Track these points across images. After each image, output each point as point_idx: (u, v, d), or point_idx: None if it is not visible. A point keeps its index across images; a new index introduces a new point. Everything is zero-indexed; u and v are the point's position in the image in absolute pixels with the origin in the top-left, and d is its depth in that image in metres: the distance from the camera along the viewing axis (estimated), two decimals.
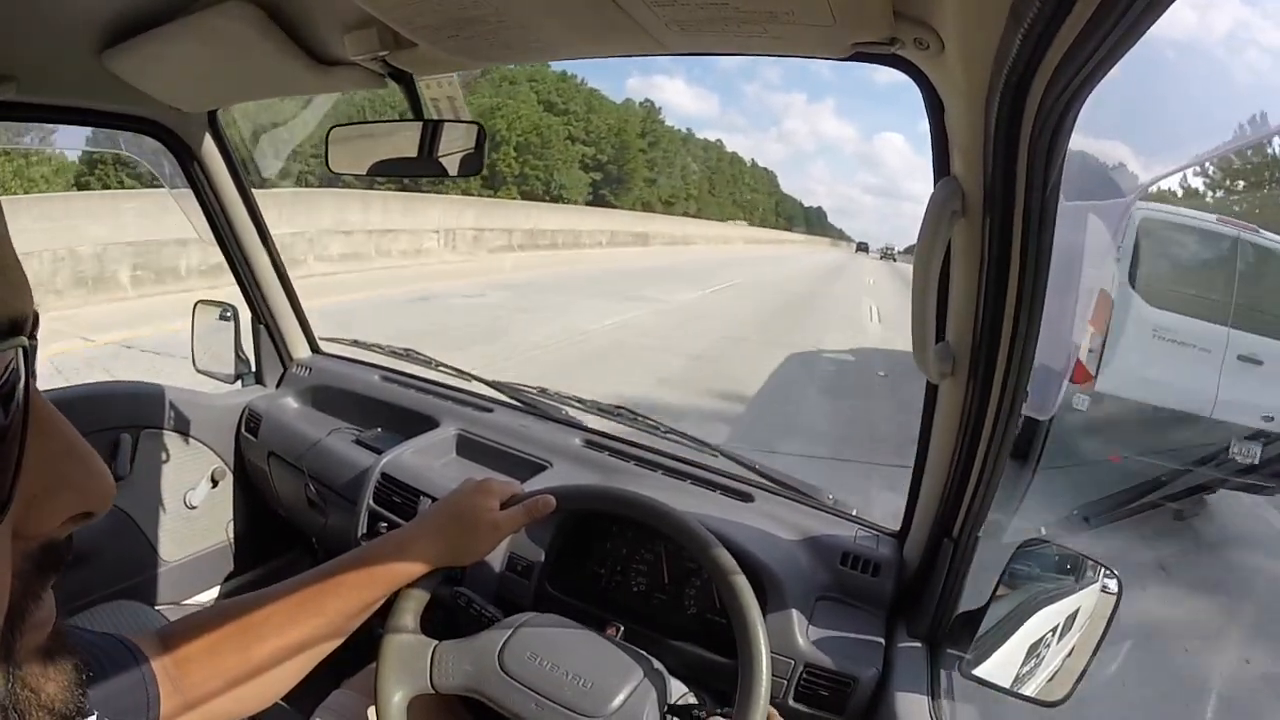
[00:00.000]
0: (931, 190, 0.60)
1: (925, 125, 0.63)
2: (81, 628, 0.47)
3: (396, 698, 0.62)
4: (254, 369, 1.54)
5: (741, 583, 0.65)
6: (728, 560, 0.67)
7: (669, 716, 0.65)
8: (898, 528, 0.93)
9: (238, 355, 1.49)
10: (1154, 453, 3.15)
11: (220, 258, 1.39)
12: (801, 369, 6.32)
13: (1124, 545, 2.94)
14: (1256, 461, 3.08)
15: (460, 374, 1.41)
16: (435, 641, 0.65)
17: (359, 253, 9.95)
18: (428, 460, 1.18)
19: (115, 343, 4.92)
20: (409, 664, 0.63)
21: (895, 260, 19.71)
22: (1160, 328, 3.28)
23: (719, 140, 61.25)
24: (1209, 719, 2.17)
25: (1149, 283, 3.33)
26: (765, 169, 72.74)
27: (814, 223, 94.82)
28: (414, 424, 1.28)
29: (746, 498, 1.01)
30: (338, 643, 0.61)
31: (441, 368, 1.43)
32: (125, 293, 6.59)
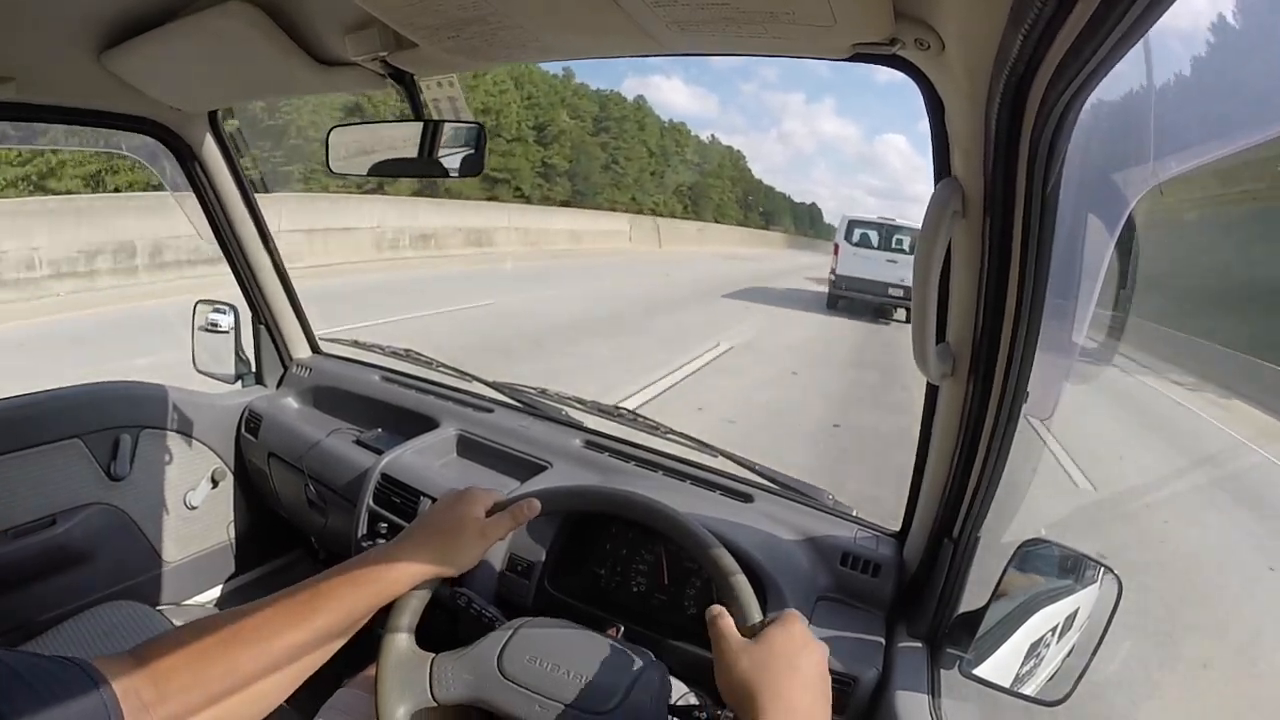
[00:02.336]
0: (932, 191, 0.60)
1: (926, 125, 0.63)
2: (35, 653, 0.45)
3: (399, 714, 0.62)
4: (254, 369, 1.54)
5: (741, 583, 0.65)
6: (727, 560, 0.67)
7: (669, 717, 0.65)
8: (898, 528, 0.94)
9: (238, 355, 1.49)
10: (858, 290, 10.78)
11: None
12: None
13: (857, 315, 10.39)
14: (896, 297, 10.47)
15: (460, 374, 1.41)
16: (432, 654, 0.65)
17: None
18: (428, 461, 1.18)
19: None
20: (408, 679, 0.63)
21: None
22: (855, 252, 10.94)
23: (639, 98, 37.83)
24: None
25: (850, 238, 11.11)
26: (729, 147, 51.76)
27: (804, 221, 78.80)
28: (414, 424, 1.28)
29: (746, 498, 1.01)
30: (325, 657, 0.60)
31: (441, 368, 1.43)
32: None
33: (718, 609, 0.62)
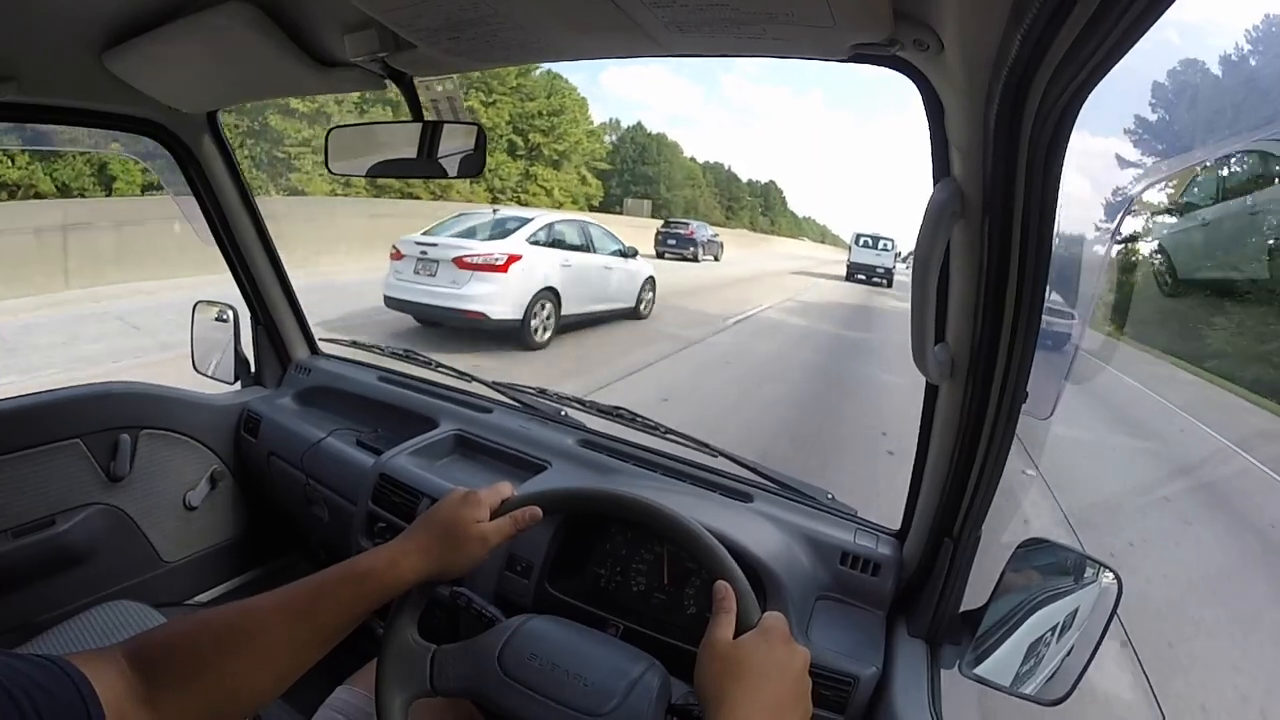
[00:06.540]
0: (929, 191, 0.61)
1: (920, 123, 0.63)
2: (16, 653, 0.42)
3: (397, 702, 0.62)
4: (253, 370, 1.54)
5: (741, 585, 0.65)
6: (727, 561, 0.67)
7: (669, 717, 0.65)
8: (898, 527, 0.94)
9: (237, 356, 1.49)
10: (860, 271, 20.11)
11: None
12: None
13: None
14: (875, 277, 19.68)
15: (459, 375, 1.41)
16: (434, 646, 0.65)
17: None
18: (427, 461, 1.18)
19: None
20: (409, 668, 0.63)
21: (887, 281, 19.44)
22: (858, 251, 20.54)
23: None
24: None
25: (857, 243, 20.88)
26: (561, 78, 27.15)
27: (750, 206, 54.03)
28: (413, 425, 1.28)
29: (746, 498, 1.01)
30: (320, 655, 0.59)
31: (440, 368, 1.43)
32: None
33: (724, 588, 0.62)
